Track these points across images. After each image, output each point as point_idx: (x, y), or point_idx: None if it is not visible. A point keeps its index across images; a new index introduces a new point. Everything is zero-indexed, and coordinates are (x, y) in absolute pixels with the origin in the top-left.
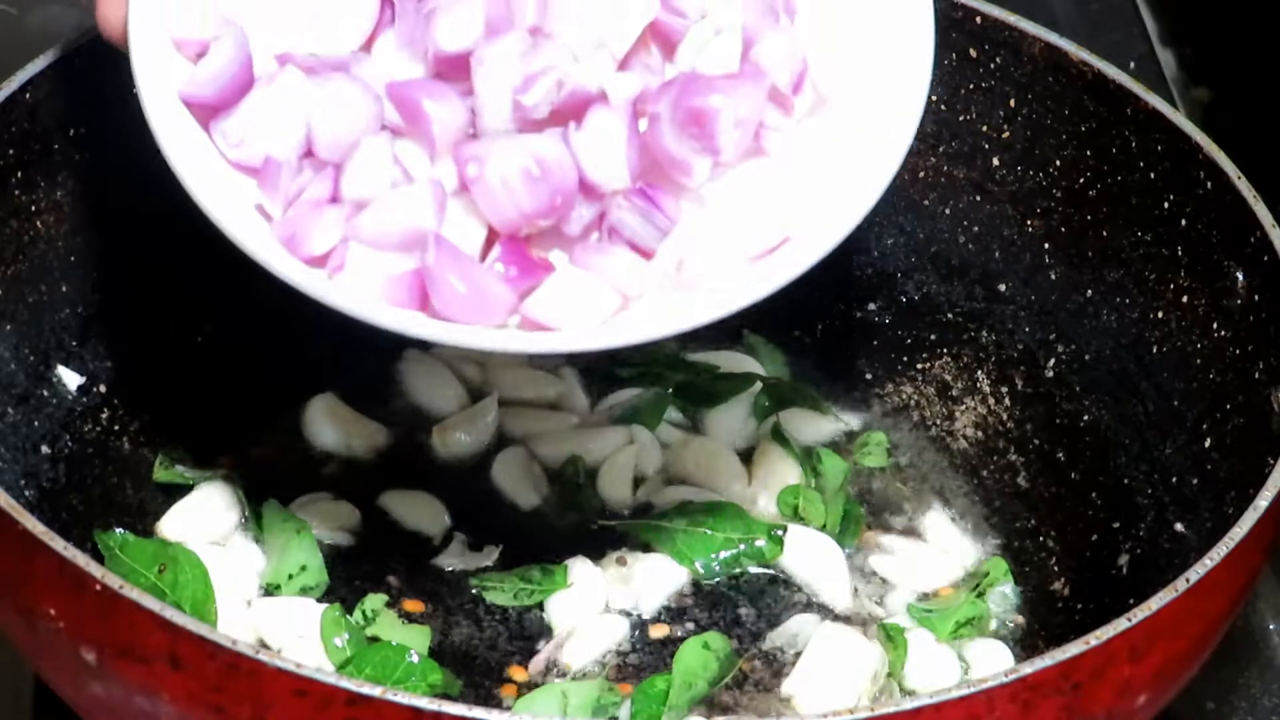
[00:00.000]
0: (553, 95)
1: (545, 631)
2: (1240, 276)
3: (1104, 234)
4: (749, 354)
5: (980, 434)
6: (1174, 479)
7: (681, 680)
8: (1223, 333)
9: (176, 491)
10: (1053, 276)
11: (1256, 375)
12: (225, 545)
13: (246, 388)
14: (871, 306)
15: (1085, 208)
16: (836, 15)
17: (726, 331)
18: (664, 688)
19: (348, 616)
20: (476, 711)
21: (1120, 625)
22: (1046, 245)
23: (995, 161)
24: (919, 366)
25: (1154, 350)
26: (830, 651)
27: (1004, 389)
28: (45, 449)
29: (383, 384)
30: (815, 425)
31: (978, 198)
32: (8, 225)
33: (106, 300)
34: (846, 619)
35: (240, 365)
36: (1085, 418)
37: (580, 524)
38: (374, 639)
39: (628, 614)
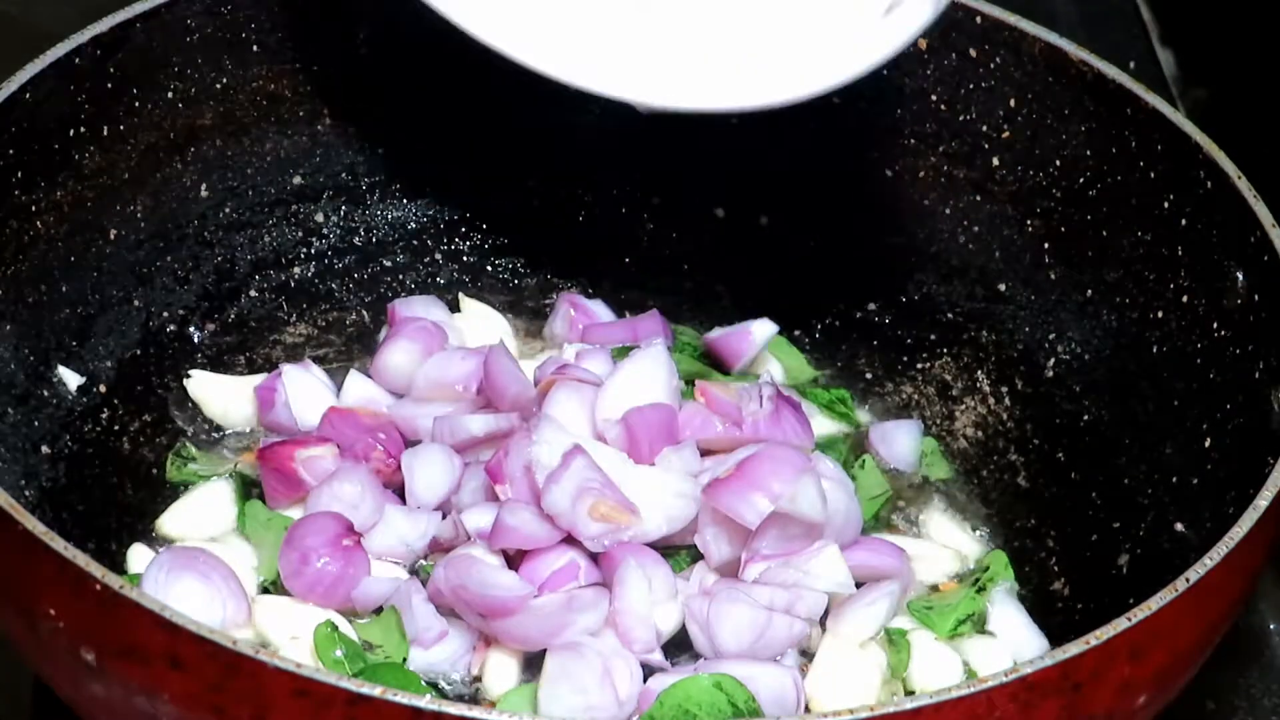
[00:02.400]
0: None
1: None
2: (1240, 276)
3: (1104, 234)
4: (767, 350)
5: (980, 434)
6: (1174, 479)
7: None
8: (1223, 333)
9: (177, 491)
10: (1053, 276)
11: (1256, 375)
12: (223, 542)
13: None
14: (871, 306)
15: (1085, 208)
16: None
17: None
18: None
19: (339, 631)
20: (476, 711)
21: (1120, 625)
22: (1046, 245)
23: (995, 161)
24: (919, 366)
25: (1154, 350)
26: (840, 654)
27: (1004, 389)
28: (45, 449)
29: None
30: (816, 425)
31: (978, 198)
32: (8, 225)
33: (106, 300)
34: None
35: (240, 365)
36: (1085, 418)
37: None
38: (368, 645)
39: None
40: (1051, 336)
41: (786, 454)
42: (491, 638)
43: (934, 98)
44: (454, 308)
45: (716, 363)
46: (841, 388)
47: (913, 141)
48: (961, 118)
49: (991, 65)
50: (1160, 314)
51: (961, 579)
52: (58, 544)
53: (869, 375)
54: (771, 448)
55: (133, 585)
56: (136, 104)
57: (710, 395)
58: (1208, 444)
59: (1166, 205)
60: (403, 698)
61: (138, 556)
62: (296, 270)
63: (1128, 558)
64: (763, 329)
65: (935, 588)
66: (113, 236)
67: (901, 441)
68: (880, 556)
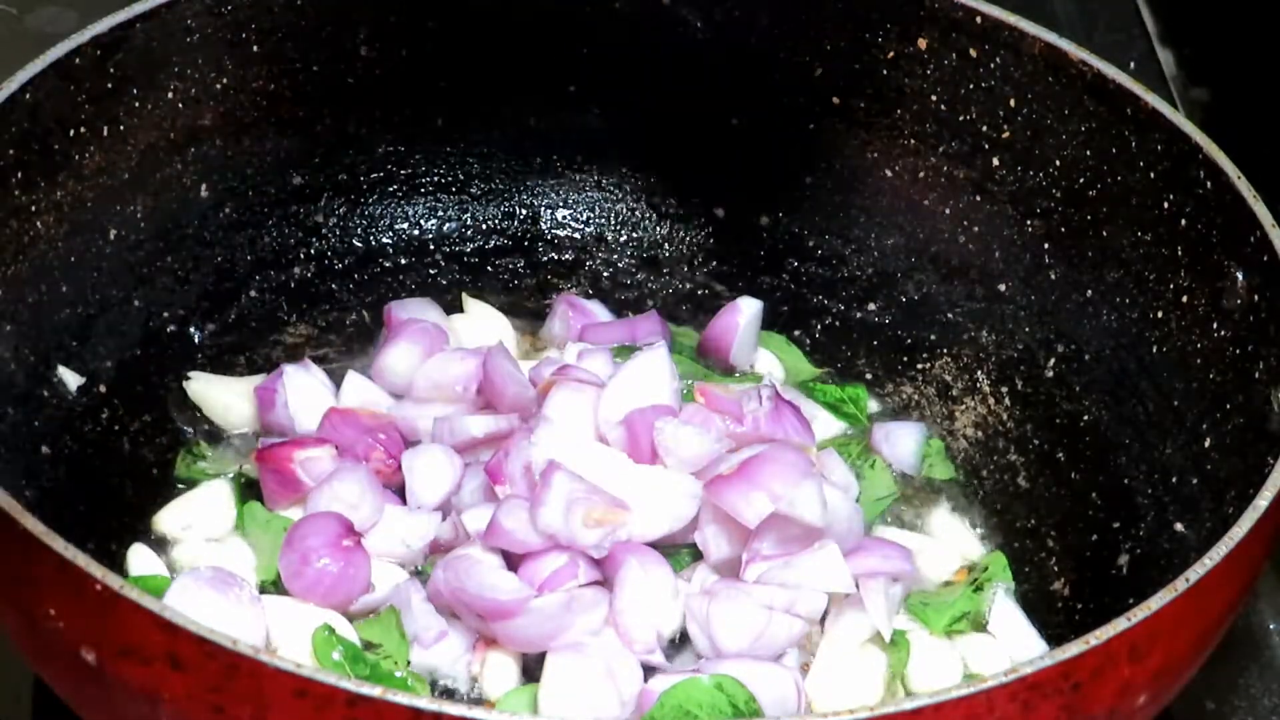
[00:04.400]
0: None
1: None
2: (1240, 276)
3: (1104, 234)
4: (766, 349)
5: (980, 434)
6: (1174, 479)
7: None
8: (1223, 333)
9: (177, 492)
10: (1053, 276)
11: (1256, 375)
12: (222, 542)
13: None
14: (871, 306)
15: (1085, 208)
16: None
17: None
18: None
19: (336, 634)
20: (476, 712)
21: (1120, 625)
22: (1046, 245)
23: (995, 161)
24: (919, 366)
25: (1154, 350)
26: (841, 654)
27: (1004, 389)
28: (45, 449)
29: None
30: (820, 425)
31: (978, 198)
32: (8, 225)
33: (106, 300)
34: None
35: (240, 366)
36: (1085, 418)
37: None
38: (368, 645)
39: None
40: (1051, 336)
41: (791, 456)
42: (491, 638)
43: (934, 98)
44: (454, 308)
45: (712, 357)
46: (858, 385)
47: (913, 141)
48: (961, 118)
49: (991, 65)
50: (1160, 314)
51: (972, 569)
52: (58, 544)
53: (869, 375)
54: (776, 449)
55: (133, 585)
56: (136, 104)
57: (710, 395)
58: (1208, 444)
59: (1166, 205)
60: (403, 698)
61: (138, 556)
62: (296, 270)
63: (1128, 558)
64: (748, 304)
65: (947, 583)
66: (113, 236)
67: (904, 442)
68: (889, 560)
